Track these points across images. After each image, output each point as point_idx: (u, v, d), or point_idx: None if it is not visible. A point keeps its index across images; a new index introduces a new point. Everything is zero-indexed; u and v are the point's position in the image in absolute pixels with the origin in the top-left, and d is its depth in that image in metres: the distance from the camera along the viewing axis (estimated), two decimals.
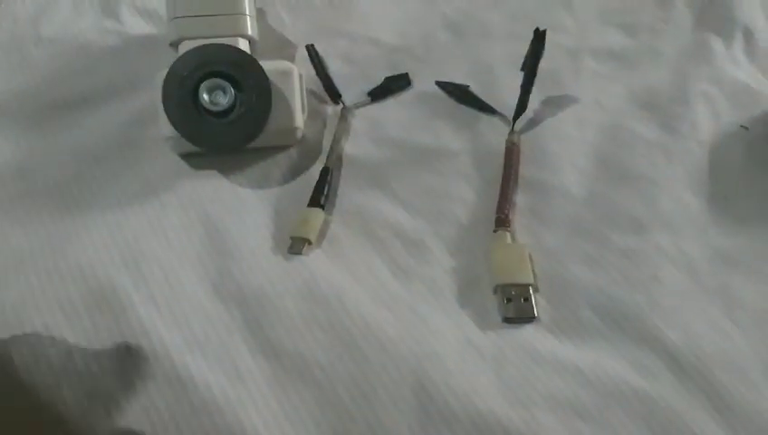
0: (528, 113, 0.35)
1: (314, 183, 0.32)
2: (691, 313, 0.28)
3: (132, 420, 0.25)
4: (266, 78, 0.30)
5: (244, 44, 0.36)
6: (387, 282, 0.29)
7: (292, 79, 0.34)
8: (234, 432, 0.24)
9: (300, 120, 0.34)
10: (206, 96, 0.29)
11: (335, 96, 0.37)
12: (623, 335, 0.27)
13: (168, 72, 0.30)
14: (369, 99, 0.37)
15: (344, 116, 0.36)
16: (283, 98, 0.33)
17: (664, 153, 0.34)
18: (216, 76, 0.30)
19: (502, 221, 0.31)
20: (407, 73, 0.38)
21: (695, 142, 0.35)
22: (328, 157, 0.34)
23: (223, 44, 0.31)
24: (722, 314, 0.28)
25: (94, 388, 0.26)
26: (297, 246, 0.30)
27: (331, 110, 0.37)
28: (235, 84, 0.30)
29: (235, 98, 0.30)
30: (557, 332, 0.28)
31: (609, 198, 0.32)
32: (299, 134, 0.34)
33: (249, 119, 0.30)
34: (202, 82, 0.30)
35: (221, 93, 0.30)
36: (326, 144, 0.35)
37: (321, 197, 0.32)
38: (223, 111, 0.30)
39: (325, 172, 0.33)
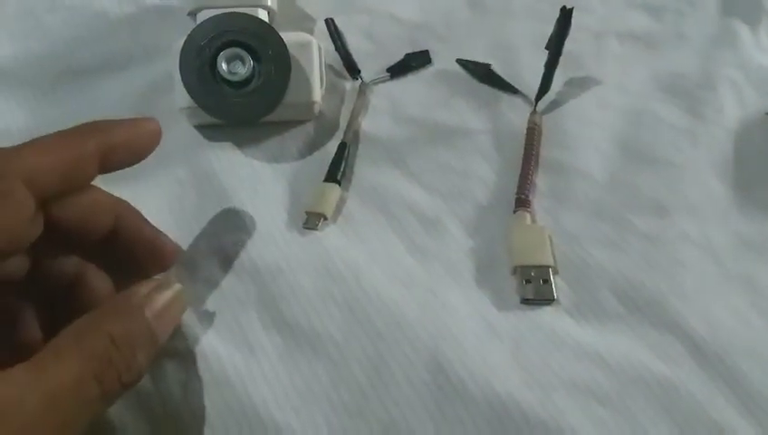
0: (550, 95, 0.35)
1: (331, 159, 0.32)
2: (714, 299, 0.27)
3: (142, 393, 0.25)
4: (286, 49, 0.29)
5: (263, 15, 0.35)
6: (403, 260, 0.29)
7: (311, 51, 0.33)
8: (244, 407, 0.24)
9: (318, 94, 0.33)
10: (224, 66, 0.29)
11: (354, 71, 0.36)
12: (644, 320, 0.27)
13: (186, 41, 0.29)
14: (389, 75, 0.36)
15: (362, 92, 0.35)
16: (302, 71, 0.32)
17: (688, 138, 0.33)
18: (234, 46, 0.29)
19: (522, 202, 0.30)
20: (427, 51, 0.37)
21: (720, 128, 0.34)
22: (345, 133, 0.33)
23: (242, 13, 0.30)
24: (745, 301, 0.28)
25: None
26: (312, 221, 0.29)
27: (350, 85, 0.36)
28: (254, 54, 0.29)
29: (254, 68, 0.29)
30: (576, 315, 0.27)
31: (631, 181, 0.32)
32: (316, 109, 0.33)
33: (268, 90, 0.29)
34: (220, 51, 0.29)
35: (240, 63, 0.29)
36: (343, 120, 0.34)
37: (337, 172, 0.31)
38: (241, 81, 0.29)
39: (342, 148, 0.32)
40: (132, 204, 0.25)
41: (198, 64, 0.29)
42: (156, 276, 0.25)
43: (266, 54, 0.29)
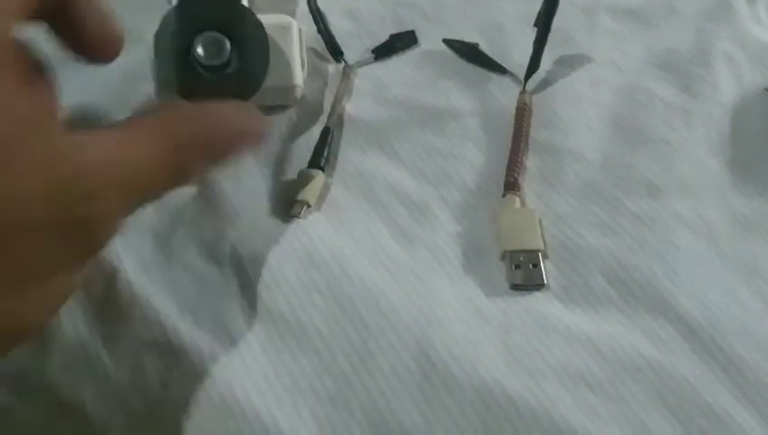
0: (540, 73, 0.34)
1: (314, 144, 0.31)
2: (708, 281, 0.27)
3: (120, 387, 0.24)
4: (264, 31, 0.28)
5: None
6: (389, 247, 0.28)
7: (291, 34, 0.32)
8: (226, 400, 0.23)
9: (299, 78, 0.32)
10: (200, 50, 0.28)
11: (337, 54, 0.35)
12: (636, 304, 0.26)
13: (160, 26, 0.28)
14: (373, 57, 0.35)
15: (346, 74, 0.34)
16: (282, 55, 0.31)
17: (683, 115, 0.32)
18: (210, 30, 0.28)
19: (511, 185, 0.29)
20: (413, 31, 0.36)
21: (716, 105, 0.33)
22: (329, 117, 0.32)
23: None
24: (741, 282, 0.27)
25: (82, 354, 0.25)
26: (296, 208, 0.29)
27: (333, 68, 0.35)
28: (232, 38, 0.28)
29: (231, 52, 0.28)
30: (567, 300, 0.26)
31: (624, 161, 0.31)
32: (298, 93, 0.33)
33: (246, 74, 0.28)
34: (196, 35, 0.28)
35: (216, 48, 0.28)
36: (327, 104, 0.33)
37: (320, 158, 0.30)
38: (219, 66, 0.28)
39: (326, 133, 0.31)
40: None
41: (174, 49, 0.28)
42: None
43: (244, 38, 0.28)
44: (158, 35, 0.28)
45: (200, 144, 0.18)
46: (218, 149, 0.18)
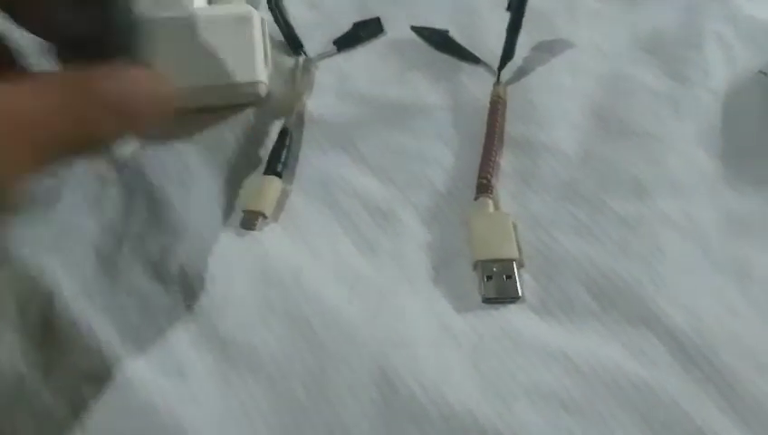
0: (516, 61, 0.31)
1: (272, 147, 0.29)
2: (698, 289, 0.25)
3: (59, 420, 0.22)
4: None
5: None
6: (351, 259, 0.26)
7: (252, 25, 0.29)
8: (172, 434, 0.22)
9: (263, 73, 0.30)
10: None
11: (296, 46, 0.32)
12: (619, 316, 0.24)
13: None
14: (336, 48, 0.33)
15: (306, 69, 0.32)
16: (242, 47, 0.29)
17: (671, 105, 0.30)
18: None
19: (484, 187, 0.27)
20: (378, 18, 0.34)
21: (706, 92, 0.31)
22: (287, 116, 0.30)
23: None
24: (734, 289, 0.25)
25: (19, 388, 0.23)
26: (250, 220, 0.26)
27: (292, 62, 0.32)
28: None
29: None
30: (544, 313, 0.24)
31: (607, 157, 0.28)
32: (262, 90, 0.30)
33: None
34: None
35: None
36: (286, 102, 0.31)
37: (277, 163, 0.28)
38: None
39: (283, 134, 0.29)
40: (47, 208, 0.22)
41: None
42: None
43: None
44: None
45: (108, 100, 0.16)
46: (129, 108, 0.17)
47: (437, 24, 0.33)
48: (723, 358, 0.23)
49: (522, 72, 0.31)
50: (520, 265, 0.25)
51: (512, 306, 0.25)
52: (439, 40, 0.32)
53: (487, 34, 0.32)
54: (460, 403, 0.22)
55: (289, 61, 0.32)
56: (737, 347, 0.23)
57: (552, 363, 0.23)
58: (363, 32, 0.33)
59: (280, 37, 0.33)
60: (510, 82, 0.31)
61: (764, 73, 0.31)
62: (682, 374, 0.23)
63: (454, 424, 0.22)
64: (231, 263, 0.25)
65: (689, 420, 0.22)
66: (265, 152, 0.29)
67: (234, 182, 0.28)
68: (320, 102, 0.31)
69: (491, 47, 0.32)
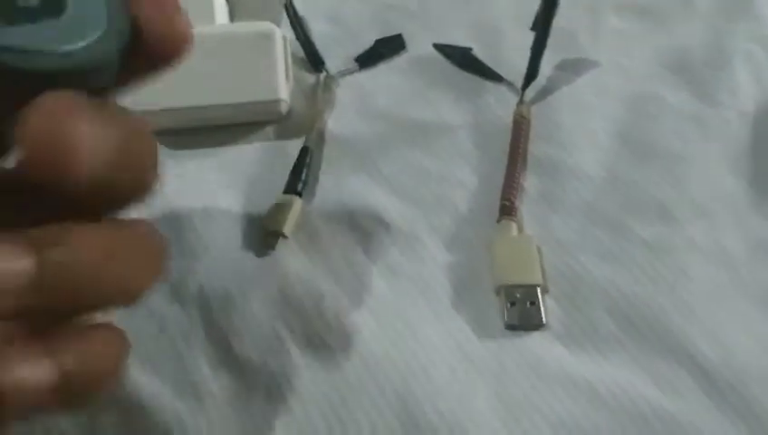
0: (540, 80, 0.31)
1: (292, 166, 0.28)
2: (728, 318, 0.24)
3: None
4: None
5: (220, 4, 0.32)
6: (371, 282, 0.25)
7: (274, 43, 0.29)
8: None
9: (284, 91, 0.30)
10: None
11: (318, 63, 0.32)
12: (645, 345, 0.24)
13: None
14: (357, 65, 0.32)
15: (328, 86, 0.31)
16: (263, 65, 0.29)
17: (697, 126, 0.29)
18: None
19: (507, 209, 0.27)
20: (400, 35, 0.33)
21: (734, 113, 0.30)
22: (307, 135, 0.29)
23: None
24: (764, 318, 0.24)
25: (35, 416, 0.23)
26: (269, 240, 0.26)
27: (314, 79, 0.32)
28: None
29: None
30: (568, 341, 0.24)
31: (632, 180, 0.28)
32: (283, 108, 0.30)
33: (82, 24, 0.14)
34: None
35: None
36: (308, 120, 0.31)
37: (298, 182, 0.28)
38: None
39: (304, 153, 0.29)
40: None
41: None
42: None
43: None
44: None
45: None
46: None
47: (460, 41, 0.33)
48: (752, 390, 0.22)
49: (546, 92, 0.31)
50: (545, 291, 0.25)
51: (535, 334, 0.24)
52: (462, 58, 0.32)
53: (511, 53, 0.32)
54: None
55: (310, 78, 0.32)
56: (766, 379, 0.23)
57: (577, 394, 0.23)
58: (385, 49, 0.33)
59: (301, 54, 0.32)
60: (534, 101, 0.31)
61: None
62: (711, 408, 0.22)
63: None
64: (250, 284, 0.25)
65: None
66: (286, 171, 0.28)
67: (253, 201, 0.28)
68: (341, 120, 0.30)
69: (514, 66, 0.31)
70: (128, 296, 0.13)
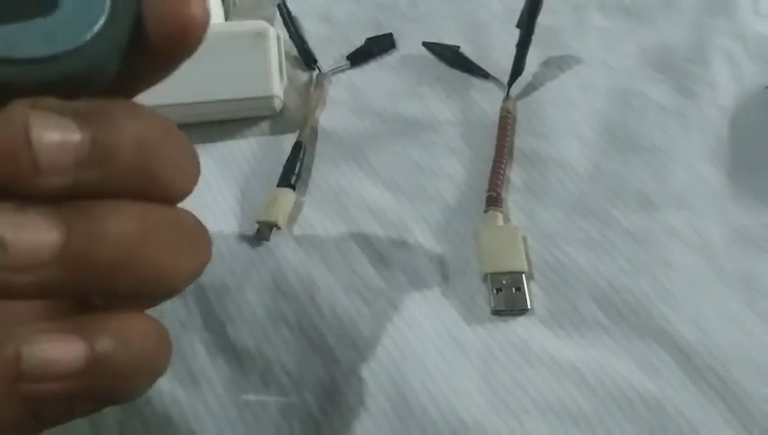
0: (526, 77, 0.32)
1: (285, 160, 0.29)
2: (706, 303, 0.25)
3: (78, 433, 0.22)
4: None
5: (215, 4, 0.32)
6: (363, 271, 0.26)
7: (268, 41, 0.30)
8: None
9: (278, 87, 0.30)
10: None
11: (310, 61, 0.33)
12: (628, 330, 0.24)
13: None
14: (349, 63, 0.33)
15: (320, 83, 0.32)
16: (258, 63, 0.30)
17: (679, 120, 0.30)
18: None
19: (493, 200, 0.27)
20: (391, 34, 0.34)
21: (714, 107, 0.31)
22: (300, 130, 0.30)
23: None
24: (742, 304, 0.25)
25: None
26: (264, 231, 0.27)
27: (308, 76, 0.33)
28: None
29: None
30: (553, 325, 0.25)
31: (615, 172, 0.29)
32: (277, 104, 0.31)
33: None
34: None
35: None
36: (301, 115, 0.31)
37: (291, 176, 0.28)
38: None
39: (297, 148, 0.29)
40: None
41: None
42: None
43: None
44: None
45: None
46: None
47: (449, 40, 0.33)
48: (731, 373, 0.23)
49: (531, 88, 0.32)
50: (529, 278, 0.26)
51: (521, 319, 0.25)
52: (450, 56, 0.33)
53: (497, 50, 0.33)
54: (471, 417, 0.22)
55: (303, 76, 0.33)
56: (745, 362, 0.23)
57: (562, 377, 0.23)
58: (376, 47, 0.33)
59: (294, 52, 0.33)
60: (519, 97, 0.31)
61: None
62: (691, 389, 0.23)
63: None
64: (245, 273, 0.26)
65: (697, 434, 0.22)
66: (279, 165, 0.29)
67: (248, 194, 0.29)
68: (333, 116, 0.31)
69: (501, 63, 0.32)
70: (165, 283, 0.12)
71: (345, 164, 0.30)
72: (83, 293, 0.12)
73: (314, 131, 0.31)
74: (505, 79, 0.31)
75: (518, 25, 0.30)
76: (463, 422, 0.22)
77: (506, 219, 0.27)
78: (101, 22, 0.11)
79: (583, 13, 0.35)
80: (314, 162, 0.30)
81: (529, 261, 0.26)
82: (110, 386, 0.12)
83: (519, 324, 0.25)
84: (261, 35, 0.30)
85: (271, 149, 0.31)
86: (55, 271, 0.11)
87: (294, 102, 0.32)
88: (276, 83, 0.30)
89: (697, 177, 0.28)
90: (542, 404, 0.23)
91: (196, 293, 0.25)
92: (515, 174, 0.29)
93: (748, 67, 0.33)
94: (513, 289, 0.25)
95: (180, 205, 0.14)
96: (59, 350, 0.12)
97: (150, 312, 0.25)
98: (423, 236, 0.27)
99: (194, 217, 0.13)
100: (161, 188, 0.12)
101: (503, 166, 0.28)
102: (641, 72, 0.32)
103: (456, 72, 0.33)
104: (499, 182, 0.28)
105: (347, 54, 0.33)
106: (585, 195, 0.28)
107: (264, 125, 0.31)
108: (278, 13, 0.35)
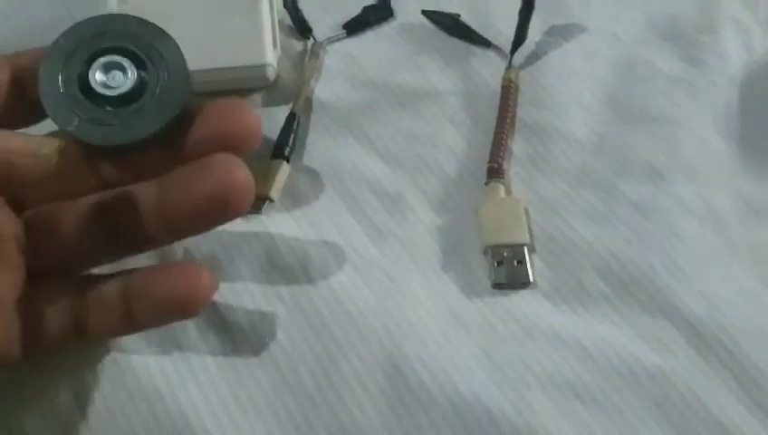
0: (528, 45, 0.30)
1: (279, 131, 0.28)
2: (715, 276, 0.24)
3: (63, 410, 0.22)
4: (178, 49, 0.22)
5: None
6: (359, 244, 0.25)
7: (260, 7, 0.29)
8: (175, 420, 0.21)
9: (271, 56, 0.29)
10: (98, 76, 0.20)
11: (305, 30, 0.32)
12: (633, 303, 0.24)
13: (48, 49, 0.21)
14: (345, 32, 0.32)
15: (315, 53, 0.31)
16: (251, 30, 0.29)
17: (687, 90, 0.29)
18: (111, 53, 0.21)
19: (495, 171, 0.27)
20: (388, 1, 0.33)
21: (723, 77, 0.30)
22: (294, 101, 0.29)
23: (119, 14, 0.23)
24: (753, 276, 0.24)
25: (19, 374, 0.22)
26: (256, 204, 0.26)
27: (301, 46, 0.32)
28: (138, 62, 0.21)
29: (140, 78, 0.21)
30: (556, 299, 0.24)
31: (621, 142, 0.28)
32: (270, 73, 0.30)
33: (161, 100, 0.21)
34: (94, 60, 0.21)
35: (119, 73, 0.21)
36: (295, 86, 0.30)
37: (285, 147, 0.27)
38: (124, 95, 0.21)
39: (291, 119, 0.28)
40: None
41: (65, 77, 0.20)
42: None
43: (154, 59, 0.21)
44: (44, 62, 0.20)
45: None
46: None
47: (448, 7, 0.32)
48: (740, 346, 0.22)
49: (534, 57, 0.31)
50: (531, 251, 0.25)
51: (523, 292, 0.24)
52: (450, 24, 0.32)
53: (499, 18, 0.32)
54: (471, 392, 0.22)
55: (298, 45, 0.32)
56: (755, 335, 0.23)
57: (566, 351, 0.23)
58: (373, 16, 0.32)
59: (288, 21, 0.32)
60: (522, 66, 0.30)
61: None
62: (698, 362, 0.22)
63: (464, 413, 0.21)
64: (237, 247, 0.25)
65: (705, 408, 0.21)
66: (273, 136, 0.28)
67: None
68: (328, 87, 0.30)
69: (503, 31, 0.31)
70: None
71: (341, 136, 0.29)
72: None
73: (309, 102, 0.30)
74: (507, 48, 0.30)
75: None
76: (463, 398, 0.21)
77: (508, 191, 0.26)
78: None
79: None
80: (309, 134, 0.29)
81: (531, 234, 0.25)
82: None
83: (521, 298, 0.24)
84: (253, 1, 0.29)
85: (264, 120, 0.29)
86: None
87: (288, 73, 0.31)
88: (270, 51, 0.29)
89: (706, 147, 0.27)
90: (545, 379, 0.22)
91: None
92: (517, 145, 0.28)
93: (758, 35, 0.31)
94: (515, 262, 0.24)
95: None
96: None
97: None
98: (422, 209, 0.26)
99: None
100: None
101: (504, 137, 0.27)
102: (648, 41, 0.31)
103: (457, 41, 0.31)
104: (500, 153, 0.27)
105: (343, 23, 0.32)
106: (589, 166, 0.27)
107: (257, 97, 0.30)
108: None
